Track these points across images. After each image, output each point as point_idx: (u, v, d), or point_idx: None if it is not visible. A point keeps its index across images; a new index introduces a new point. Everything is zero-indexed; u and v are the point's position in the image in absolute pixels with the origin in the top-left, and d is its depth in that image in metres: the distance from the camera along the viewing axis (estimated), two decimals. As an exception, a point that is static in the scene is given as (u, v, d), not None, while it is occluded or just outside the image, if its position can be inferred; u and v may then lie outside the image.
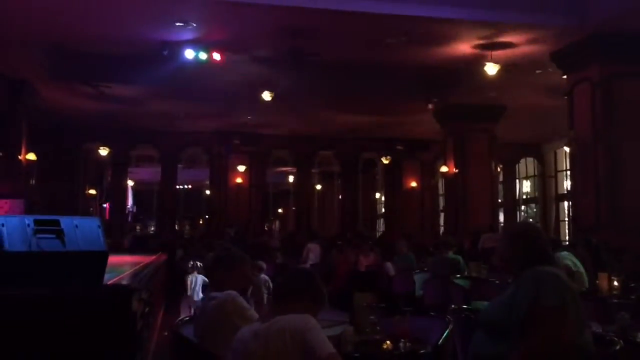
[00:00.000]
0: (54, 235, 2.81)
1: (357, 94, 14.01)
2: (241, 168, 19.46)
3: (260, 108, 14.47)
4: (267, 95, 13.22)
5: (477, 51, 10.83)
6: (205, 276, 7.36)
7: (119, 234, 17.67)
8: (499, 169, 19.18)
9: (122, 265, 5.15)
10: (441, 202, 20.80)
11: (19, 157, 13.93)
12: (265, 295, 7.40)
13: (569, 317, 2.62)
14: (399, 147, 20.13)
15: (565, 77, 11.11)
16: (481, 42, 10.46)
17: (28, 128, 14.24)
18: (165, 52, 10.53)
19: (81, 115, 16.25)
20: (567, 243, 13.92)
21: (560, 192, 20.05)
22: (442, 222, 20.26)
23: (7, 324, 2.64)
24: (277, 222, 30.66)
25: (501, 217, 19.71)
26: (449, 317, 3.93)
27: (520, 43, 10.49)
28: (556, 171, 20.44)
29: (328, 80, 12.87)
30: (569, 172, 17.71)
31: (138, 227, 24.25)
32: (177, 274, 9.77)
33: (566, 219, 19.20)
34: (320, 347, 2.37)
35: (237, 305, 3.24)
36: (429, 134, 17.85)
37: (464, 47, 10.75)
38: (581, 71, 10.63)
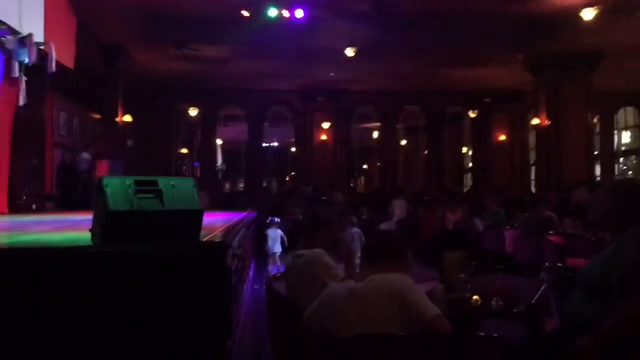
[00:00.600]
0: (152, 195, 2.93)
1: (442, 46, 13.60)
2: (325, 125, 19.51)
3: (344, 64, 14.36)
4: (350, 51, 13.09)
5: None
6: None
7: (211, 192, 18.30)
8: (595, 120, 18.18)
9: (215, 222, 5.34)
10: (532, 155, 20.05)
11: (116, 119, 14.64)
12: (359, 246, 7.50)
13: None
14: (487, 100, 19.47)
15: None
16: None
17: (123, 91, 14.89)
18: (247, 13, 10.61)
19: (172, 78, 16.78)
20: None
21: (664, 143, 18.79)
22: (532, 176, 19.57)
23: (115, 277, 2.81)
24: (362, 178, 30.69)
25: (597, 171, 18.77)
26: (542, 275, 3.82)
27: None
28: (659, 120, 19.13)
29: (412, 33, 12.54)
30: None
31: (227, 185, 25.02)
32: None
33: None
34: (424, 308, 2.39)
35: (323, 263, 3.30)
36: (519, 84, 17.12)
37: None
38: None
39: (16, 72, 7.64)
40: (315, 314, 2.67)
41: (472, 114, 20.23)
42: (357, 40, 12.63)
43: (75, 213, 7.67)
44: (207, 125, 20.38)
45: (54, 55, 7.62)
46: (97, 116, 14.39)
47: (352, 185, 23.87)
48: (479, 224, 10.03)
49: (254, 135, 20.15)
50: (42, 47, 7.62)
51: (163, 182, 2.98)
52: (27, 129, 9.02)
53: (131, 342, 2.78)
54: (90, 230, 3.04)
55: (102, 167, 11.54)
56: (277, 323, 3.45)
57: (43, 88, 9.59)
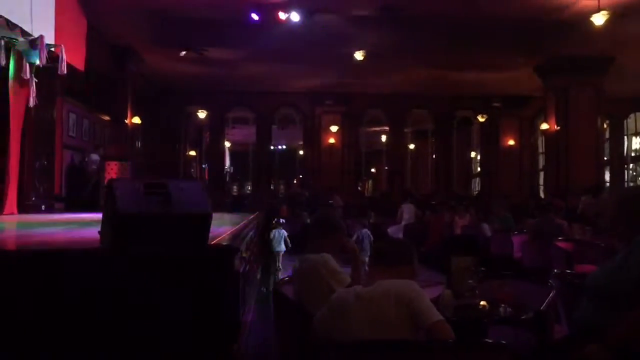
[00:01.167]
0: (161, 198, 2.94)
1: (451, 50, 13.57)
2: (334, 128, 19.51)
3: (353, 68, 14.36)
4: (359, 55, 13.09)
5: (583, -2, 10.14)
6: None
7: (218, 194, 18.35)
8: (605, 125, 18.07)
9: (222, 225, 5.35)
10: (541, 160, 19.96)
11: (125, 121, 14.70)
12: (368, 246, 8.43)
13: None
14: (496, 104, 19.42)
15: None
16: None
17: (133, 93, 14.96)
18: (255, 17, 10.67)
19: (181, 80, 16.84)
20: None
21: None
22: (541, 181, 19.48)
23: (123, 280, 2.82)
24: (370, 182, 30.66)
25: (607, 177, 18.66)
26: (551, 281, 3.79)
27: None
28: (670, 126, 19.00)
29: (421, 37, 12.53)
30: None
31: (235, 188, 25.06)
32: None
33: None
34: (428, 314, 2.40)
35: (330, 268, 3.32)
36: (528, 89, 17.05)
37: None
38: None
39: (27, 74, 7.69)
40: (324, 319, 2.67)
41: (481, 119, 20.17)
42: (367, 44, 12.63)
43: (84, 214, 7.72)
44: (216, 127, 20.42)
45: (64, 57, 7.65)
46: (107, 118, 14.46)
47: (359, 188, 23.84)
48: (487, 229, 10.00)
49: (262, 137, 20.17)
50: (52, 49, 7.66)
51: (172, 185, 2.99)
52: (37, 130, 9.07)
53: (138, 344, 2.78)
54: (100, 232, 3.06)
55: (111, 168, 11.57)
56: (284, 326, 3.45)
57: (53, 90, 9.65)
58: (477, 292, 3.37)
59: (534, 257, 7.60)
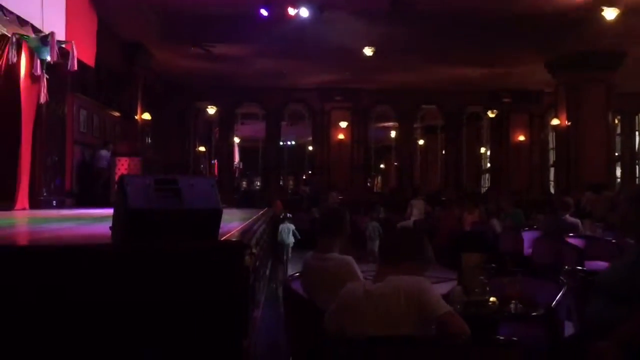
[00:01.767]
0: (172, 194, 2.95)
1: (460, 45, 13.50)
2: (343, 124, 19.49)
3: (362, 63, 14.33)
4: (368, 51, 13.06)
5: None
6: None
7: (228, 190, 18.39)
8: (616, 121, 17.93)
9: (232, 220, 5.36)
10: (551, 156, 19.84)
11: (135, 117, 14.76)
12: (378, 237, 9.43)
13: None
14: (506, 100, 19.31)
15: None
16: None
17: (143, 89, 15.01)
18: (263, 13, 10.69)
19: (191, 76, 16.88)
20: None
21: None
22: (551, 177, 19.37)
23: (133, 275, 2.83)
24: (379, 178, 30.62)
25: (618, 173, 18.53)
26: (562, 278, 3.78)
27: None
28: (683, 122, 18.82)
29: (431, 32, 12.48)
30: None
31: (244, 183, 25.10)
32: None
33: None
34: (436, 306, 2.41)
35: (352, 272, 3.39)
36: (539, 85, 16.95)
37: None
38: None
39: (38, 70, 7.74)
40: (334, 315, 2.67)
41: (490, 114, 20.05)
42: (376, 39, 12.60)
43: (95, 209, 7.76)
44: (225, 123, 20.46)
45: (75, 53, 7.70)
46: (117, 114, 14.52)
47: (368, 184, 23.82)
48: (496, 224, 9.95)
49: (271, 133, 20.19)
50: (63, 46, 7.71)
51: (182, 181, 3.00)
52: (48, 126, 9.14)
53: (148, 340, 2.80)
54: (111, 227, 3.08)
55: (122, 164, 11.64)
56: (294, 322, 3.45)
57: (64, 86, 9.72)
58: (487, 288, 3.36)
59: (544, 253, 7.55)
